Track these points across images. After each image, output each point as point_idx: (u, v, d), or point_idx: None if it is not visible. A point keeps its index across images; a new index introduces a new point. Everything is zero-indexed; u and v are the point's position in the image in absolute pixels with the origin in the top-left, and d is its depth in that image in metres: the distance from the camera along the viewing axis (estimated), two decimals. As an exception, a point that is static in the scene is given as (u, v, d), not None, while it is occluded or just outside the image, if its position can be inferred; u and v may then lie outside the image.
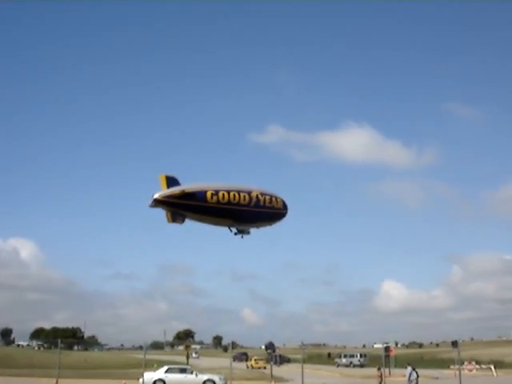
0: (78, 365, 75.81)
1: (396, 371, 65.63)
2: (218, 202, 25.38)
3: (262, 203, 27.10)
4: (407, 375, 39.25)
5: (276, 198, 28.01)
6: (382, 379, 39.34)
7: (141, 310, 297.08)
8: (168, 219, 25.25)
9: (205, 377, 46.18)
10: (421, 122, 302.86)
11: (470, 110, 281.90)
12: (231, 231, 27.56)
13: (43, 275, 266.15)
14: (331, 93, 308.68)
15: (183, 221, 25.67)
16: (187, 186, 25.06)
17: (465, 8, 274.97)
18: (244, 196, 26.27)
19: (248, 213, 26.60)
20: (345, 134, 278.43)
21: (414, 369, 39.86)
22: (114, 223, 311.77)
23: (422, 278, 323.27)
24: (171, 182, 24.68)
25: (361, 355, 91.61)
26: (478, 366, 71.47)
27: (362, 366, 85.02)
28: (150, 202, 24.74)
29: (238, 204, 25.98)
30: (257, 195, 27.05)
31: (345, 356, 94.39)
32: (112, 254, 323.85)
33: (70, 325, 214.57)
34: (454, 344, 46.34)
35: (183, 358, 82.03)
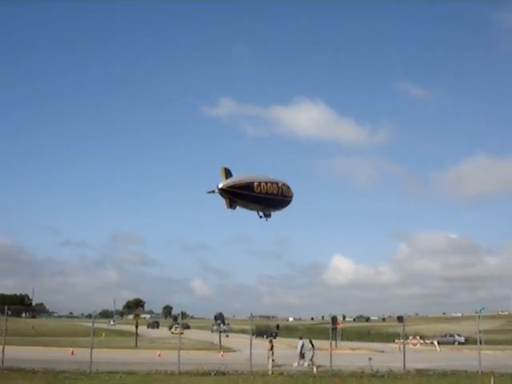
0: (25, 332, 75.02)
1: (342, 344, 66.97)
2: (261, 192, 29.59)
3: (284, 192, 31.41)
4: (298, 348, 39.56)
5: (288, 188, 32.10)
6: (272, 352, 38.88)
7: (90, 278, 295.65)
8: (227, 205, 28.87)
9: None
10: (374, 100, 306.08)
11: (421, 90, 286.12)
12: (258, 215, 31.52)
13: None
14: (285, 68, 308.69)
15: (235, 207, 29.38)
16: (238, 177, 28.89)
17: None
18: (275, 187, 30.47)
19: (276, 201, 30.95)
20: (298, 110, 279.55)
21: (310, 342, 39.84)
22: (65, 190, 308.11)
23: (370, 254, 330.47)
24: (228, 172, 28.55)
25: None
26: (422, 341, 73.32)
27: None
28: (215, 190, 28.35)
29: (272, 194, 30.17)
30: (282, 185, 31.23)
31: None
32: (62, 222, 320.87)
33: (17, 292, 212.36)
34: (400, 319, 47.16)
35: (132, 328, 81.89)
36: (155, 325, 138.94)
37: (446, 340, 75.34)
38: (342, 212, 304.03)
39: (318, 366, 34.06)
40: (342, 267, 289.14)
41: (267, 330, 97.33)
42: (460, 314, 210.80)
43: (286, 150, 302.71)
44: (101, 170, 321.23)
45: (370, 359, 33.47)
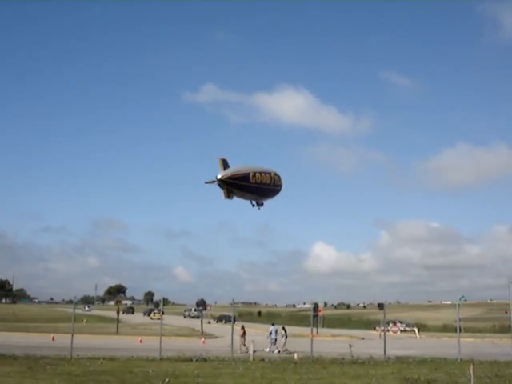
0: (5, 317, 74.76)
1: (323, 331, 67.43)
2: (255, 182, 30.53)
3: (276, 182, 32.43)
4: (272, 334, 39.52)
5: (279, 177, 33.08)
6: (244, 338, 39.36)
7: (72, 264, 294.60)
8: (225, 195, 29.87)
9: None
10: (357, 89, 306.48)
11: (405, 80, 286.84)
12: (252, 204, 32.45)
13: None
14: (268, 55, 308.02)
15: (232, 197, 30.39)
16: (235, 168, 29.73)
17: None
18: (268, 176, 31.40)
19: (269, 190, 31.92)
20: (281, 97, 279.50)
21: (283, 328, 40.41)
22: (45, 175, 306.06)
23: (352, 242, 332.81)
24: (225, 163, 29.33)
25: None
26: (402, 328, 74.00)
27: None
28: (213, 180, 29.23)
29: (265, 183, 31.18)
30: (274, 175, 32.21)
31: None
32: (43, 208, 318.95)
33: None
34: (381, 306, 47.70)
35: (113, 313, 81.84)
36: (130, 310, 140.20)
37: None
38: (324, 199, 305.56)
39: (287, 352, 34.31)
40: (324, 255, 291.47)
41: (223, 316, 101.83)
42: (441, 302, 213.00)
43: (269, 138, 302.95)
44: (82, 156, 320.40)
45: (350, 346, 33.65)
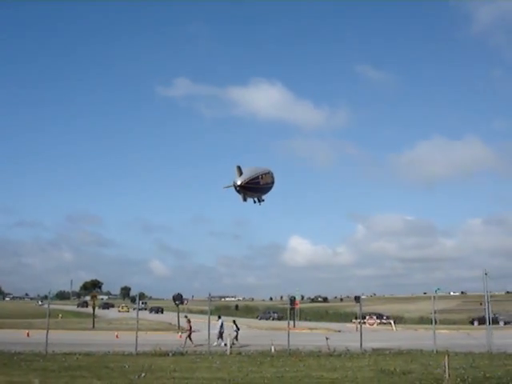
0: (-21, 313, 73.87)
1: (300, 324, 67.62)
2: (263, 183, 32.51)
3: (273, 179, 34.01)
4: (217, 328, 39.49)
5: (273, 174, 34.47)
6: (190, 331, 39.25)
7: (46, 259, 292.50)
8: (243, 199, 31.69)
9: None
10: (332, 83, 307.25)
11: (379, 73, 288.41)
12: (254, 201, 33.68)
13: None
14: (242, 48, 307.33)
15: (246, 199, 32.17)
16: (249, 173, 31.34)
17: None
18: (269, 176, 33.20)
19: (269, 188, 33.64)
20: (255, 91, 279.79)
21: (234, 322, 41.06)
22: (18, 169, 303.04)
23: (328, 235, 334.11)
24: (240, 169, 30.82)
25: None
26: (378, 321, 74.41)
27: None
28: (232, 186, 30.75)
29: (269, 183, 33.18)
30: (272, 173, 33.75)
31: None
32: (16, 202, 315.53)
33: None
34: (357, 299, 47.79)
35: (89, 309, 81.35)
36: (107, 306, 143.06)
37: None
38: (300, 193, 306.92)
39: (239, 345, 34.35)
40: (300, 248, 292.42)
41: (155, 307, 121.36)
42: (416, 294, 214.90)
43: (243, 132, 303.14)
44: (56, 150, 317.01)
45: (327, 339, 33.75)
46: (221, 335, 39.07)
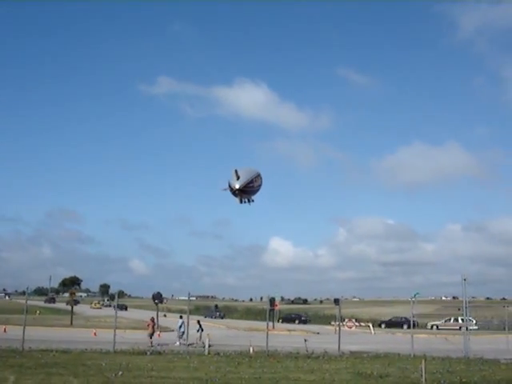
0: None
1: (279, 325, 67.68)
2: (256, 185, 32.92)
3: (262, 181, 34.17)
4: (177, 327, 39.66)
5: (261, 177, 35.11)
6: (153, 330, 39.03)
7: (25, 254, 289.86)
8: (240, 201, 32.24)
9: None
10: (316, 86, 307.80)
11: (362, 77, 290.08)
12: (244, 201, 33.65)
13: None
14: (227, 48, 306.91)
15: (242, 201, 32.68)
16: (245, 176, 31.64)
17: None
18: (259, 178, 33.39)
19: (258, 190, 33.76)
20: (240, 91, 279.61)
21: (198, 322, 41.10)
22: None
23: (309, 237, 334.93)
24: (237, 172, 31.17)
25: None
26: (357, 324, 74.65)
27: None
28: (230, 189, 31.34)
29: (259, 185, 33.35)
30: (260, 176, 33.88)
31: None
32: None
33: None
34: (336, 302, 47.96)
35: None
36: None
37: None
38: (282, 195, 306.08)
39: (202, 345, 34.44)
40: (281, 250, 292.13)
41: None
42: (395, 298, 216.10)
43: (226, 132, 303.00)
44: (37, 144, 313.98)
45: (305, 341, 33.85)
46: (181, 335, 38.84)
